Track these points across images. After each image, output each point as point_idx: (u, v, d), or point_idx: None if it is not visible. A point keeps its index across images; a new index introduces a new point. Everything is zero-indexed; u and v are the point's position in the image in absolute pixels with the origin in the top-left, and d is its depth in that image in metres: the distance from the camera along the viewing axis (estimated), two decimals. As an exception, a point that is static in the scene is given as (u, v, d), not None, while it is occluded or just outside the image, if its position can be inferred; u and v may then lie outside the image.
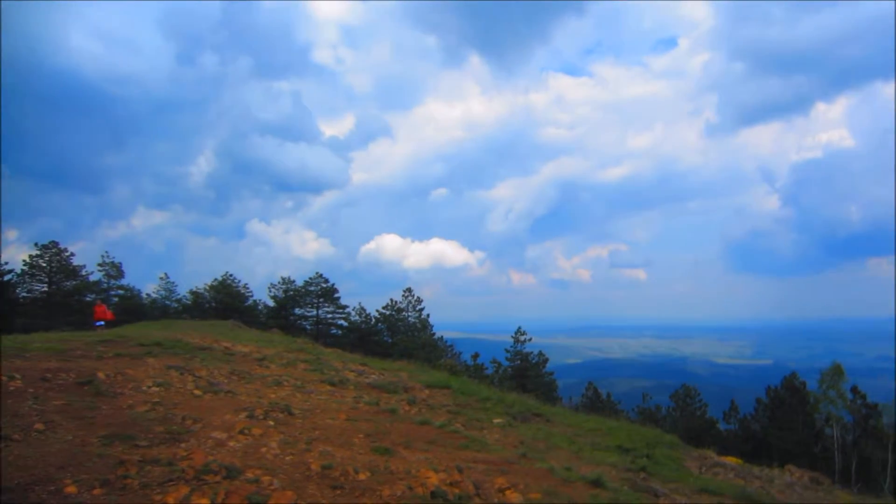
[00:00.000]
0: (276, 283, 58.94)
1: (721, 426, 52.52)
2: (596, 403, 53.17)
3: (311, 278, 57.45)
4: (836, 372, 46.22)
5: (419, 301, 55.62)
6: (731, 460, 23.20)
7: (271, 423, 11.53)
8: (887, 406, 45.93)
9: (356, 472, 8.90)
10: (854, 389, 46.63)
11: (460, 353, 57.49)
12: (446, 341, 57.56)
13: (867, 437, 45.04)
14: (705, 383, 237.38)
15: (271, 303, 57.64)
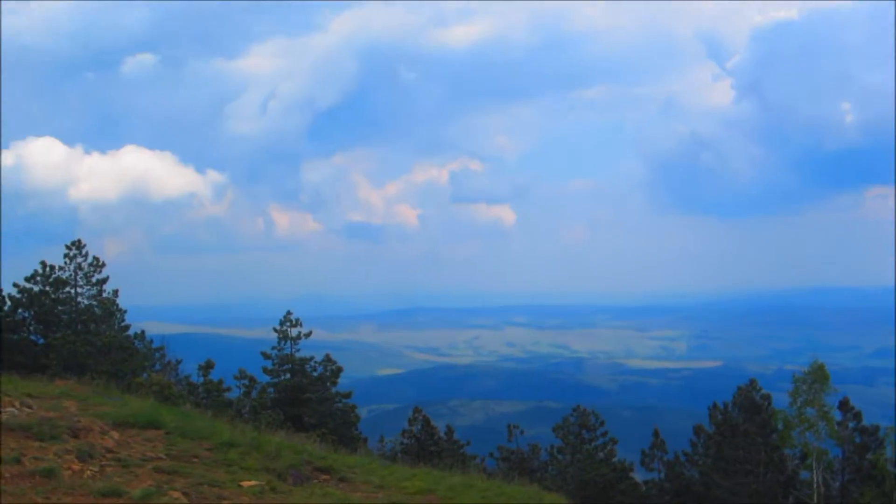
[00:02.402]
0: None
1: (638, 474, 56.22)
2: (427, 446, 54.76)
3: None
4: (818, 377, 50.76)
5: (99, 265, 53.77)
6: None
7: None
8: (893, 430, 50.93)
9: None
10: (844, 405, 51.61)
11: (180, 362, 56.52)
12: (153, 340, 56.31)
13: (862, 482, 50.25)
14: (613, 403, 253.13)
15: None
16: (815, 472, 48.93)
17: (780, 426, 51.91)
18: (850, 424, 51.05)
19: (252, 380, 53.27)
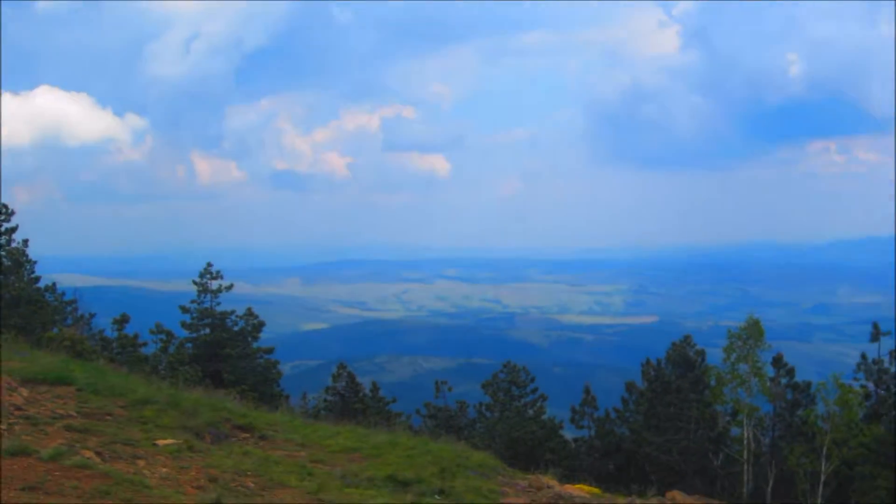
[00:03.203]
0: None
1: (568, 432, 57.00)
2: (352, 403, 54.98)
3: None
4: (753, 333, 51.75)
5: (8, 213, 53.00)
6: (581, 489, 25.51)
7: None
8: (825, 386, 52.19)
9: None
10: (777, 361, 52.72)
11: (93, 316, 56.00)
12: (65, 293, 55.76)
13: (792, 438, 51.51)
14: (545, 360, 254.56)
15: None
16: (745, 428, 49.96)
17: (712, 382, 52.80)
18: (783, 381, 52.13)
19: (169, 334, 52.90)
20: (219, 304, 56.08)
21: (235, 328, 56.37)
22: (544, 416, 56.42)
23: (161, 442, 17.53)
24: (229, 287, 56.71)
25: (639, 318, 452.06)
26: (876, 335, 55.60)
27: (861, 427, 47.70)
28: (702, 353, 54.77)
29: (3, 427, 15.95)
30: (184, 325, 55.75)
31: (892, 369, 56.10)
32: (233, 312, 56.75)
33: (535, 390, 58.51)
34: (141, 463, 15.72)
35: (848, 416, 47.68)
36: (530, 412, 56.79)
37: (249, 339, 56.63)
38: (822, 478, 46.72)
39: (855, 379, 55.52)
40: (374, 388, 58.75)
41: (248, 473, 16.72)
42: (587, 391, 56.32)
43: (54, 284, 55.13)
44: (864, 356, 56.55)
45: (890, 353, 55.99)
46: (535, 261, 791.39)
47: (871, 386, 55.75)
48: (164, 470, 15.53)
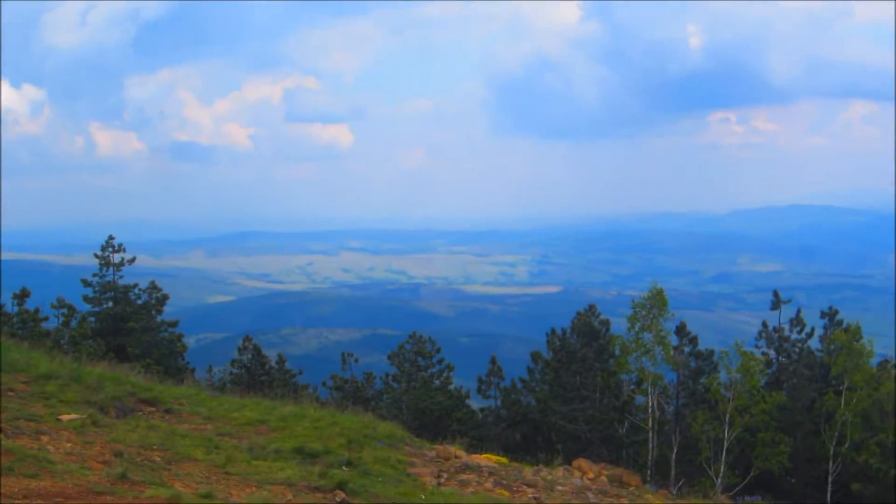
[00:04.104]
0: None
1: (475, 401, 57.42)
2: (258, 376, 54.77)
3: None
4: (657, 302, 52.50)
5: None
6: (488, 459, 25.77)
7: None
8: (727, 354, 53.18)
9: None
10: (681, 330, 53.62)
11: (-9, 291, 55.13)
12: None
13: (696, 405, 52.50)
14: (451, 330, 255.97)
15: None
16: (650, 396, 50.66)
17: (617, 352, 53.42)
18: (686, 349, 52.96)
19: (71, 309, 52.20)
20: (121, 277, 55.39)
21: (139, 302, 55.76)
22: (451, 387, 56.73)
23: (65, 417, 17.34)
24: (132, 260, 56.01)
25: (543, 287, 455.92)
26: (776, 303, 56.89)
27: (763, 394, 48.70)
28: (606, 323, 55.35)
29: None
30: (86, 299, 55.01)
31: (793, 337, 57.49)
32: (136, 286, 56.09)
33: (441, 361, 58.76)
34: (45, 438, 15.55)
35: (750, 383, 48.55)
36: (437, 383, 57.05)
37: (153, 312, 56.07)
38: (725, 444, 47.59)
39: (757, 347, 56.81)
40: (281, 360, 58.52)
41: (154, 447, 16.63)
42: (493, 361, 56.63)
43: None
44: (765, 324, 57.83)
45: (790, 320, 57.36)
46: (440, 232, 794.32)
47: (772, 353, 57.14)
48: (69, 445, 15.38)
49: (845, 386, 49.50)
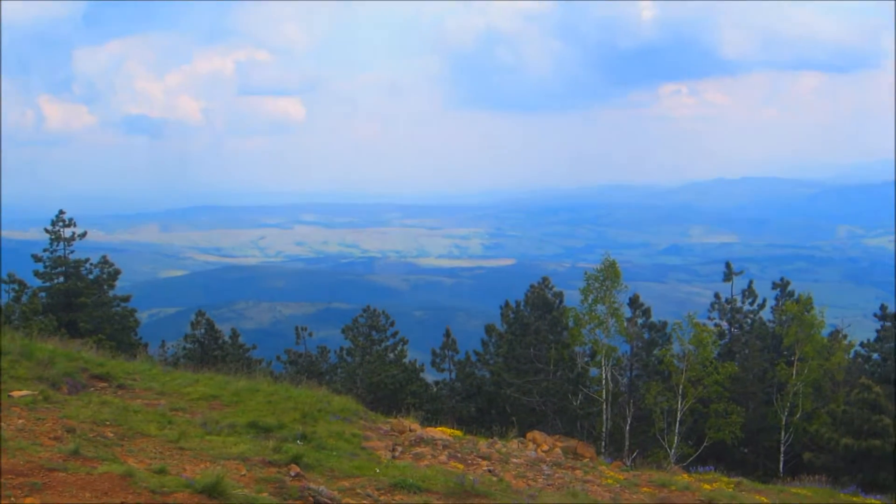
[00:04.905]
0: None
1: (429, 375, 57.51)
2: (211, 350, 54.55)
3: None
4: (610, 274, 52.76)
5: None
6: (443, 432, 25.82)
7: None
8: (680, 326, 53.61)
9: None
10: (634, 301, 53.94)
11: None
12: None
13: (649, 377, 52.91)
14: (405, 303, 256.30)
15: None
16: (603, 368, 50.93)
17: (570, 324, 53.67)
18: (640, 321, 53.27)
19: (22, 284, 51.76)
20: (72, 252, 54.96)
21: (90, 277, 55.37)
22: (405, 360, 56.72)
23: (16, 393, 17.18)
24: (83, 235, 55.61)
25: (497, 260, 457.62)
26: (729, 275, 57.44)
27: (715, 365, 49.19)
28: (560, 295, 55.57)
29: None
30: (37, 274, 54.58)
31: (745, 308, 58.06)
32: (87, 261, 55.71)
33: (395, 334, 58.77)
34: (-6, 415, 15.39)
35: (702, 354, 49.00)
36: (391, 356, 57.06)
37: (105, 287, 55.71)
38: (679, 415, 48.03)
39: (709, 318, 57.40)
40: (234, 335, 58.36)
41: (107, 423, 16.50)
42: (447, 334, 56.74)
43: None
44: (717, 296, 58.38)
45: (743, 292, 57.93)
46: (393, 205, 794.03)
47: (724, 325, 57.75)
48: (20, 422, 15.24)
49: (797, 356, 50.12)
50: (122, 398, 19.31)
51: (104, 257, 57.18)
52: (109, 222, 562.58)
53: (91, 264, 55.74)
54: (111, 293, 56.24)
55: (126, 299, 57.05)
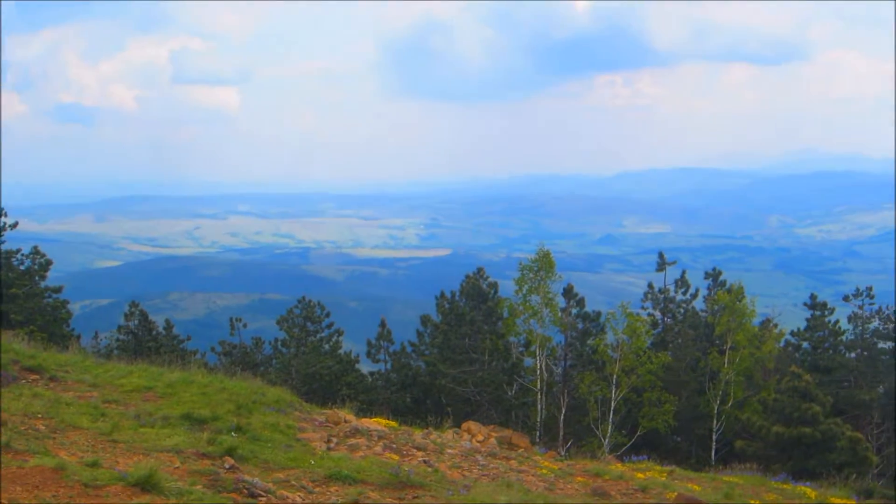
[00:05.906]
0: None
1: (365, 365, 57.45)
2: (145, 342, 54.09)
3: None
4: (544, 265, 53.02)
5: None
6: (378, 423, 25.83)
7: None
8: (614, 315, 54.14)
9: None
10: (568, 292, 54.27)
11: None
12: None
13: (583, 367, 53.29)
14: (340, 294, 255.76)
15: None
16: (538, 358, 51.22)
17: (505, 314, 53.94)
18: (574, 311, 53.61)
19: (-52, 276, 50.94)
20: (3, 242, 54.13)
21: (21, 268, 54.54)
22: (340, 351, 56.66)
23: (-57, 387, 16.89)
24: (14, 225, 54.79)
25: (432, 251, 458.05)
26: (662, 265, 58.01)
27: (649, 354, 49.75)
28: (494, 286, 55.74)
29: None
30: (-36, 265, 53.62)
31: (678, 298, 58.68)
32: (18, 251, 54.87)
33: (330, 325, 58.70)
34: (-79, 409, 15.14)
35: (636, 344, 49.52)
36: (326, 347, 56.98)
37: (36, 278, 54.91)
38: (613, 404, 48.50)
39: (643, 308, 57.98)
40: (168, 326, 57.98)
41: (39, 416, 16.33)
42: (383, 325, 56.73)
43: None
44: (650, 285, 58.96)
45: (675, 282, 58.51)
46: (328, 195, 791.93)
47: (658, 314, 58.36)
48: (-52, 416, 14.99)
49: (728, 345, 50.81)
50: (54, 390, 19.09)
51: (35, 248, 56.36)
52: (42, 212, 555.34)
53: (22, 255, 54.94)
54: (43, 284, 55.48)
55: (58, 290, 56.30)
